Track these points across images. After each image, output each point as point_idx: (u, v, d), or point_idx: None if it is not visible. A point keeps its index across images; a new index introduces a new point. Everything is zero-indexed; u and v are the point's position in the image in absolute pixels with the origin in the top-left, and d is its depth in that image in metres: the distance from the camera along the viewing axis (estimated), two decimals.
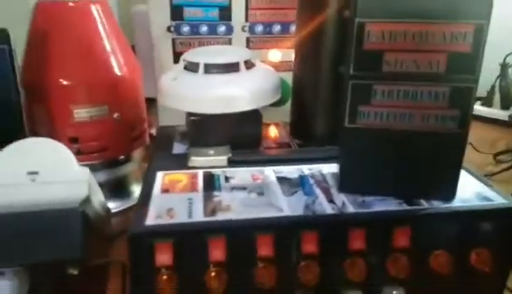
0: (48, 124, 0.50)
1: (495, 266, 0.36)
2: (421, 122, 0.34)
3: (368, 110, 0.35)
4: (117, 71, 0.51)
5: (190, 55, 0.47)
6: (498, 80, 0.90)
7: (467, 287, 0.38)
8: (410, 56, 0.33)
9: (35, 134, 0.50)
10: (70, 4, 0.50)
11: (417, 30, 0.32)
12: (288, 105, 0.54)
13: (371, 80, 0.34)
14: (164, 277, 0.33)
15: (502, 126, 0.84)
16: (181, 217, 0.34)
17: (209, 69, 0.45)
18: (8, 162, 0.33)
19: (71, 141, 0.50)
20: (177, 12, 0.63)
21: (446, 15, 0.32)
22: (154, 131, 0.70)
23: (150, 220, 0.33)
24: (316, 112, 0.49)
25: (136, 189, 0.58)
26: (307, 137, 0.50)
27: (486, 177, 0.61)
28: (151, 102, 0.65)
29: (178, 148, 0.48)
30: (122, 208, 0.55)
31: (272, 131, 0.56)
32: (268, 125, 0.56)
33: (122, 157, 0.54)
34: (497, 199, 0.37)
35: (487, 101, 0.91)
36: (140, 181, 0.60)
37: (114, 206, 0.54)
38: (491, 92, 0.91)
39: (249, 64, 0.47)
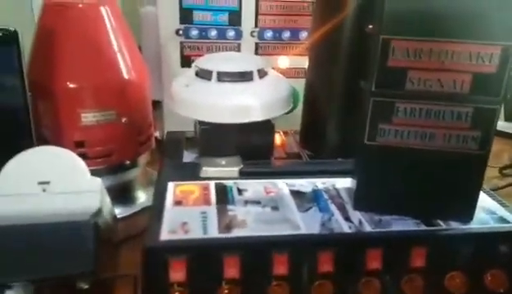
0: (54, 128, 0.48)
1: (510, 287, 0.36)
2: (442, 142, 0.34)
3: (389, 128, 0.34)
4: (125, 74, 0.50)
5: (202, 62, 0.46)
6: None
7: None
8: (434, 75, 0.32)
9: (40, 137, 0.49)
10: (79, 5, 0.49)
11: (443, 49, 0.32)
12: (294, 112, 0.53)
13: (394, 98, 0.33)
14: (177, 293, 0.32)
15: (506, 139, 0.84)
16: (196, 233, 0.33)
17: (222, 77, 0.45)
18: (19, 171, 0.32)
19: (77, 145, 0.49)
20: (186, 15, 0.62)
21: (473, 35, 0.31)
22: (158, 135, 0.69)
23: (165, 234, 0.32)
24: (329, 122, 0.49)
25: (141, 195, 0.57)
26: (318, 148, 0.50)
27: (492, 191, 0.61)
28: (155, 105, 0.64)
29: (188, 156, 0.47)
30: (127, 214, 0.54)
31: (281, 140, 0.55)
32: (276, 133, 0.56)
33: (128, 162, 0.53)
34: None
35: None
36: (145, 186, 0.59)
37: (118, 212, 0.53)
38: None
39: (262, 73, 0.47)
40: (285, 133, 0.56)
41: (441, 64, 0.32)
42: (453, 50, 0.31)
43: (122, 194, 0.55)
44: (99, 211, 0.33)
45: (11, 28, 0.41)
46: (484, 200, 0.39)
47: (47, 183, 0.32)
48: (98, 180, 0.34)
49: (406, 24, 0.32)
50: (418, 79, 0.32)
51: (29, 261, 0.30)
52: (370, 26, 0.35)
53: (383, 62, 0.32)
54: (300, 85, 0.55)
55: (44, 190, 0.32)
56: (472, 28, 0.31)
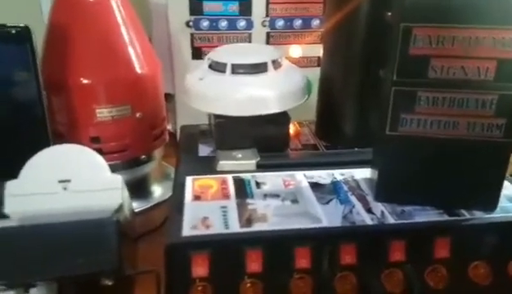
0: (70, 124, 0.48)
1: None
2: (466, 131, 0.33)
3: (411, 118, 0.33)
4: (138, 68, 0.50)
5: (216, 55, 0.46)
6: None
7: None
8: (457, 63, 0.31)
9: (56, 134, 0.49)
10: (90, 0, 0.48)
11: (466, 36, 0.31)
12: (306, 102, 0.53)
13: (416, 87, 0.32)
14: (199, 288, 0.32)
15: None
16: (217, 228, 0.33)
17: (236, 69, 0.44)
18: (39, 170, 0.32)
19: (93, 141, 0.49)
20: (196, 7, 0.61)
21: (497, 21, 0.30)
22: (170, 128, 0.69)
23: (187, 230, 0.32)
24: (345, 112, 0.48)
25: (157, 189, 0.58)
26: (334, 139, 0.49)
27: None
28: (167, 97, 0.63)
29: (204, 150, 0.47)
30: (143, 208, 0.54)
31: (296, 131, 0.54)
32: (290, 124, 0.55)
33: (143, 156, 0.53)
34: None
35: None
36: (160, 180, 0.59)
37: (135, 206, 0.53)
38: None
39: (277, 64, 0.46)
40: (300, 124, 0.56)
41: (464, 51, 0.31)
42: (476, 36, 0.31)
43: (138, 189, 0.55)
44: (120, 208, 0.33)
45: (23, 25, 0.41)
46: (508, 188, 0.39)
47: (68, 181, 0.32)
48: (119, 177, 0.34)
49: (428, 11, 0.31)
50: (441, 67, 0.32)
51: (53, 260, 0.30)
52: (389, 14, 0.34)
53: (404, 50, 0.32)
54: (313, 74, 0.54)
55: (65, 189, 0.32)
56: (495, 13, 0.30)
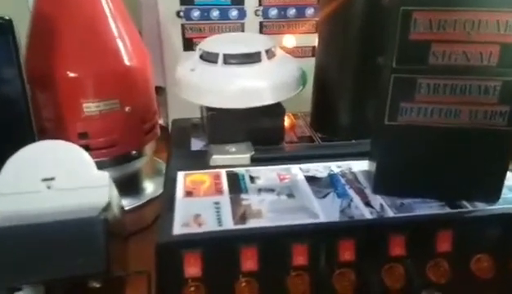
0: (56, 120, 0.46)
1: None
2: (468, 119, 0.32)
3: (411, 106, 0.32)
4: (127, 61, 0.48)
5: (207, 45, 0.44)
6: None
7: (508, 292, 0.36)
8: (459, 48, 0.30)
9: (42, 130, 0.47)
10: None
11: (469, 19, 0.29)
12: (301, 94, 0.51)
13: (416, 73, 0.31)
14: (192, 288, 0.31)
15: None
16: (210, 225, 0.31)
17: (229, 59, 0.42)
18: (21, 167, 0.31)
19: (80, 137, 0.47)
20: None
21: (500, 3, 0.29)
22: (162, 122, 0.67)
23: (178, 228, 0.31)
24: (342, 103, 0.47)
25: (148, 185, 0.56)
26: (330, 130, 0.48)
27: None
28: (158, 91, 0.62)
29: (196, 144, 0.45)
30: (135, 205, 0.52)
31: (291, 123, 0.53)
32: (285, 116, 0.54)
33: (134, 152, 0.51)
34: None
35: None
36: (151, 176, 0.57)
37: (125, 203, 0.51)
38: None
39: (271, 54, 0.44)
40: (295, 116, 0.54)
41: (466, 36, 0.30)
42: (479, 19, 0.29)
43: (129, 185, 0.53)
44: (108, 206, 0.31)
45: (6, 17, 0.39)
46: (510, 179, 0.37)
47: (52, 179, 0.31)
48: (106, 174, 0.32)
49: None
50: (442, 53, 0.30)
51: (38, 262, 0.28)
52: None
53: (404, 36, 0.30)
54: (307, 65, 0.53)
55: (49, 187, 0.31)
56: None
